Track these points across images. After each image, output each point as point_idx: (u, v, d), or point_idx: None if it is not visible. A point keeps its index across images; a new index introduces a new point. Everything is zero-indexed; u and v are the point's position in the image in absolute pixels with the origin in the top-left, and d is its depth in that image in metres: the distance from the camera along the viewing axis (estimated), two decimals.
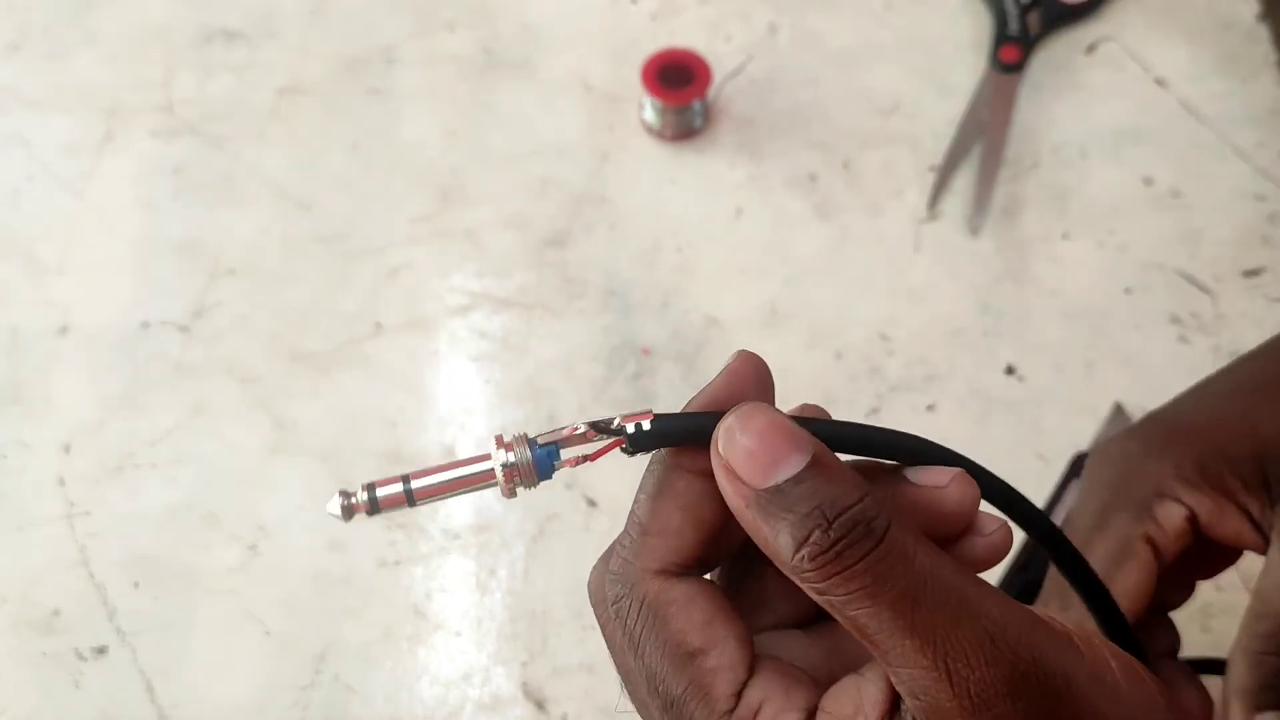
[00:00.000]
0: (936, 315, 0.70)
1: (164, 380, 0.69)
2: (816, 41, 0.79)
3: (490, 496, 0.63)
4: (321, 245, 0.73)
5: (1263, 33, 0.78)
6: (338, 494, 0.29)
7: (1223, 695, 0.41)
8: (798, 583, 0.26)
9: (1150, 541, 0.42)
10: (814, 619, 0.31)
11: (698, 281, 0.71)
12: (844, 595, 0.25)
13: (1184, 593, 0.46)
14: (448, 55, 0.79)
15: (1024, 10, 0.78)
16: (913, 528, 0.26)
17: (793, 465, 0.26)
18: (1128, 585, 0.42)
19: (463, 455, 0.66)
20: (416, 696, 0.62)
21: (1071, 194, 0.73)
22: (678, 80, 0.73)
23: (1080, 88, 0.77)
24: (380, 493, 0.29)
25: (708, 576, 0.30)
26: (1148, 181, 0.74)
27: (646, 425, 0.29)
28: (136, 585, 0.64)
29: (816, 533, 0.25)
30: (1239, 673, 0.40)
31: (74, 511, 0.66)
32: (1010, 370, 0.69)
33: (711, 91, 0.75)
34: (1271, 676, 0.40)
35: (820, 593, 0.26)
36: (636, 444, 0.29)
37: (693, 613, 0.28)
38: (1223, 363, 0.68)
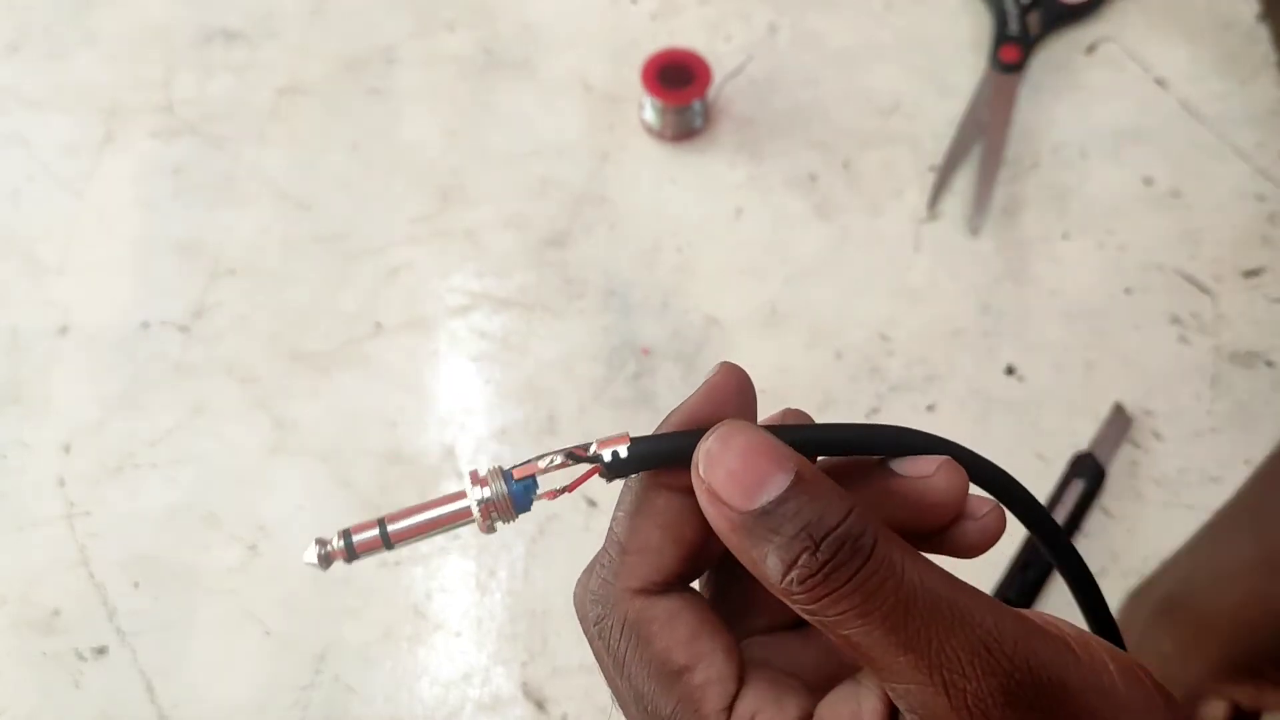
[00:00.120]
0: (936, 315, 0.70)
1: (164, 380, 0.69)
2: (816, 41, 0.79)
3: None
4: (321, 245, 0.73)
5: (1263, 33, 0.78)
6: (314, 543, 0.29)
7: None
8: (787, 603, 0.26)
9: None
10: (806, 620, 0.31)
11: (698, 281, 0.71)
12: (835, 615, 0.25)
13: None
14: (448, 55, 0.79)
15: (1024, 10, 0.78)
16: (901, 541, 0.26)
17: (777, 485, 0.26)
18: None
19: (462, 455, 0.66)
20: (416, 696, 0.62)
21: (1071, 194, 0.73)
22: (678, 80, 0.73)
23: (1080, 88, 0.77)
24: (357, 538, 0.29)
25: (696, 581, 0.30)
26: (1148, 181, 0.74)
27: (623, 451, 0.28)
28: (136, 585, 0.64)
29: (804, 555, 0.25)
30: None
31: (74, 511, 0.66)
32: (1010, 370, 0.69)
33: (711, 91, 0.75)
34: None
35: (811, 614, 0.25)
36: (614, 471, 0.28)
37: (676, 629, 0.28)
38: (1223, 362, 0.68)
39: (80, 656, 0.62)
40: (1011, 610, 0.26)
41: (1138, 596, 0.58)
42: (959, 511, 0.29)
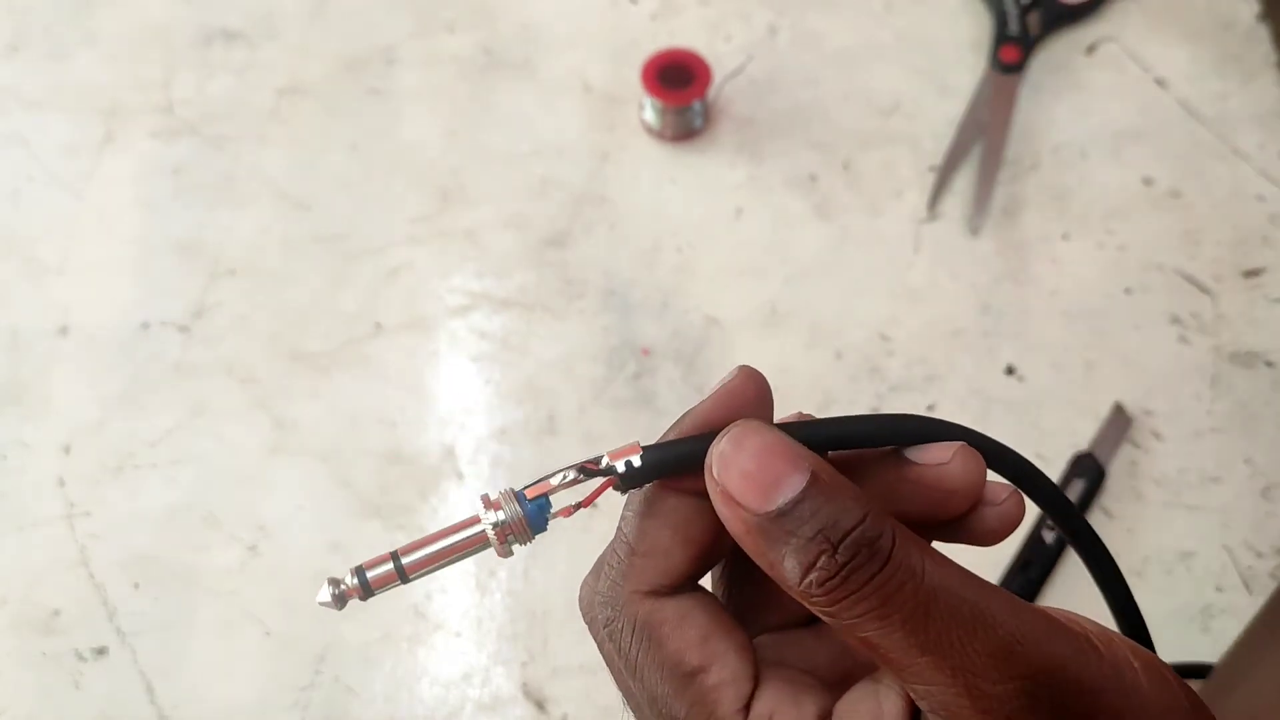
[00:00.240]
0: (936, 315, 0.70)
1: (164, 380, 0.69)
2: (816, 42, 0.79)
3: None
4: (321, 245, 0.73)
5: (1263, 33, 0.78)
6: (326, 583, 0.28)
7: None
8: (805, 605, 0.26)
9: None
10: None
11: (698, 281, 0.71)
12: (854, 618, 0.25)
13: None
14: (448, 55, 0.79)
15: (1024, 10, 0.78)
16: (919, 540, 0.25)
17: (793, 486, 0.25)
18: None
19: (462, 455, 0.66)
20: (416, 697, 0.61)
21: (1071, 194, 0.73)
22: (678, 80, 0.73)
23: (1080, 88, 0.77)
24: (371, 574, 0.28)
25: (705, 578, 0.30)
26: (1147, 181, 0.74)
27: (637, 461, 0.28)
28: (136, 586, 0.64)
29: (823, 557, 0.25)
30: None
31: (74, 512, 0.66)
32: (1010, 370, 0.69)
33: (711, 92, 0.75)
34: None
35: (829, 615, 0.25)
36: (629, 482, 0.28)
37: (688, 630, 0.28)
38: (1223, 362, 0.68)
39: (80, 657, 0.62)
40: (1032, 608, 0.25)
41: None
42: (977, 498, 0.29)
